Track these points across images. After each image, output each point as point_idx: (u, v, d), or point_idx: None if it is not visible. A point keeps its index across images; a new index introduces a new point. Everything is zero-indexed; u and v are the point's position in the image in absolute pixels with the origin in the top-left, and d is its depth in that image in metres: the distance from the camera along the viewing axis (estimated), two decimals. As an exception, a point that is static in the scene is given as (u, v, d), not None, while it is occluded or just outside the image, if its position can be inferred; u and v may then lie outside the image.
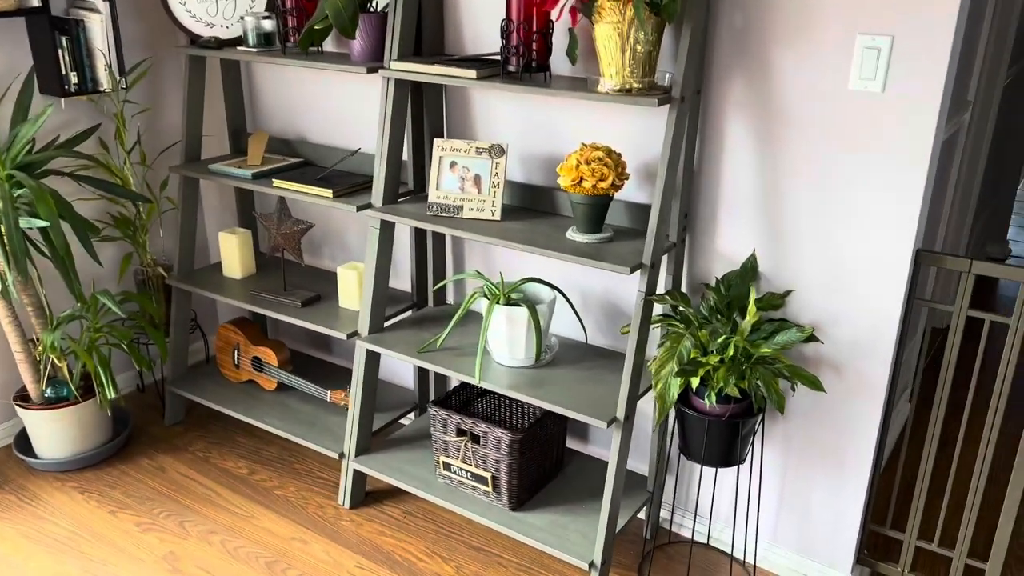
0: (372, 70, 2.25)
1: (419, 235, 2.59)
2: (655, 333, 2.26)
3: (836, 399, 2.06)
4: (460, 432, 2.28)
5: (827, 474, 2.14)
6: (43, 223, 2.24)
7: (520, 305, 2.15)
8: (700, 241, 2.14)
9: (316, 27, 2.30)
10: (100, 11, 2.60)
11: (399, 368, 2.92)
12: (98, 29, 2.62)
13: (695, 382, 1.87)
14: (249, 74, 2.88)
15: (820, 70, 1.84)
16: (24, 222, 2.25)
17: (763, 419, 2.08)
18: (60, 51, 2.59)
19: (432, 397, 2.81)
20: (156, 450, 2.82)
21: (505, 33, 2.05)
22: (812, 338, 1.96)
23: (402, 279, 2.78)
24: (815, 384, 1.89)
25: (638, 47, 1.83)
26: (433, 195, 2.26)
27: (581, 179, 1.99)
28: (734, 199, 2.06)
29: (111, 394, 2.53)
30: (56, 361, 2.58)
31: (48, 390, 2.62)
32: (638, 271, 1.95)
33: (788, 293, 2.04)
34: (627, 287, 2.30)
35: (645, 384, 2.11)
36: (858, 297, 1.95)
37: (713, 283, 2.15)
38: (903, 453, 2.10)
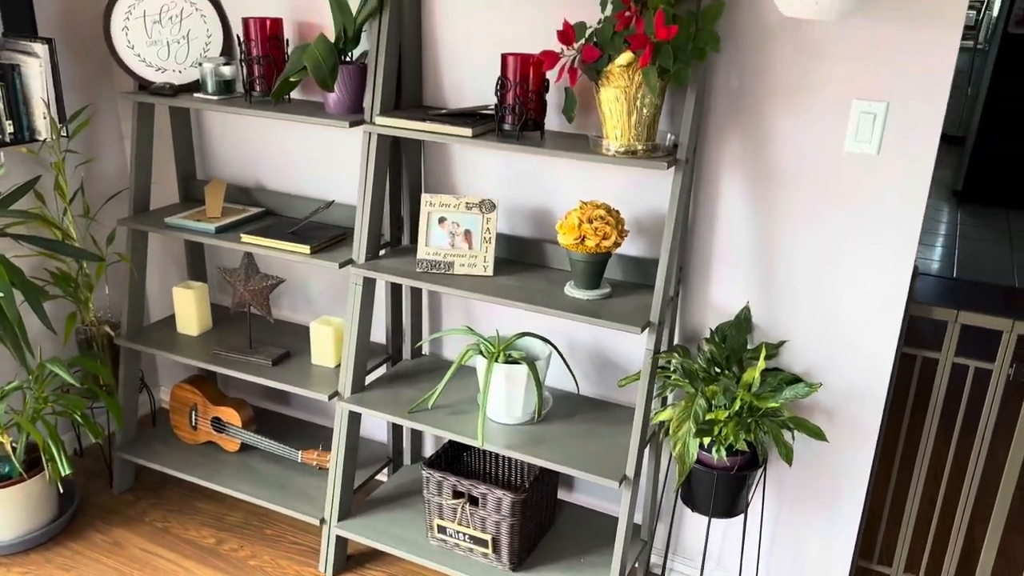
0: (355, 123, 2.18)
1: (394, 286, 2.52)
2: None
3: (829, 444, 2.13)
4: (457, 494, 2.23)
5: (819, 516, 2.21)
6: (-6, 293, 2.05)
7: (519, 362, 2.12)
8: (694, 293, 2.17)
9: (292, 79, 2.21)
10: (38, 55, 2.40)
11: (366, 420, 2.83)
12: (36, 74, 2.42)
13: (706, 440, 1.89)
14: (199, 119, 2.73)
15: (816, 132, 1.91)
16: (-28, 292, 2.05)
17: (765, 470, 2.13)
18: (-6, 98, 2.38)
19: (407, 451, 2.73)
20: (108, 523, 2.62)
21: (500, 92, 2.02)
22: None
23: (375, 330, 2.69)
24: (818, 435, 1.95)
25: (644, 110, 1.85)
26: (422, 251, 2.20)
27: (584, 238, 1.99)
28: (728, 252, 2.10)
29: (65, 469, 2.33)
30: (-1, 437, 2.37)
31: (-10, 469, 2.39)
32: (620, 329, 1.95)
33: (782, 343, 2.10)
34: (618, 337, 2.31)
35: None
36: (851, 346, 2.03)
37: (707, 334, 2.18)
38: (890, 491, 2.20)
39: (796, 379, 2.00)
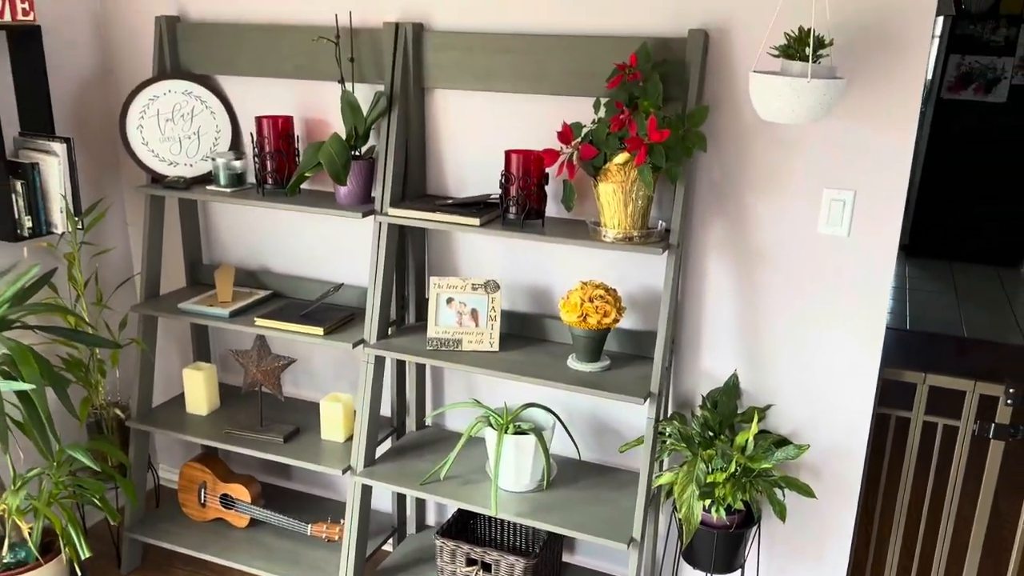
0: (367, 214, 2.34)
1: (399, 362, 2.66)
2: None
3: (815, 501, 2.30)
4: (470, 562, 2.34)
5: (809, 568, 2.37)
6: (26, 386, 2.13)
7: (527, 433, 2.26)
8: (685, 362, 2.36)
9: (307, 174, 2.37)
10: (57, 153, 2.53)
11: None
12: (54, 172, 2.54)
13: (707, 502, 2.05)
14: (205, 208, 2.86)
15: (791, 217, 2.13)
16: (4, 385, 2.14)
17: (759, 526, 2.29)
18: (14, 196, 2.49)
19: (411, 520, 2.83)
20: (119, 604, 2.66)
21: (504, 185, 2.21)
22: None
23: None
24: (808, 492, 2.12)
25: (639, 202, 2.05)
26: (432, 330, 2.35)
27: (586, 316, 2.16)
28: (716, 325, 2.29)
29: (85, 553, 2.39)
30: (18, 522, 2.41)
31: (8, 555, 2.43)
32: (624, 400, 2.11)
33: (769, 407, 2.28)
34: (616, 405, 2.47)
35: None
36: (832, 408, 2.22)
37: (699, 400, 2.36)
38: (872, 541, 2.38)
39: (784, 440, 2.18)
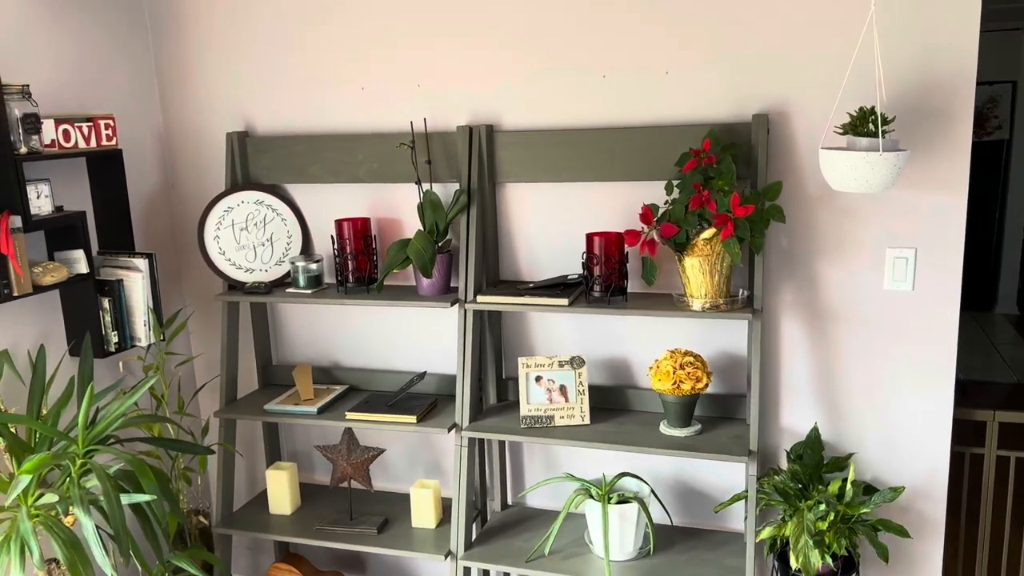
0: (454, 303, 2.47)
1: (478, 446, 2.73)
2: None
3: (903, 542, 2.42)
4: (583, 633, 2.39)
5: (901, 607, 2.47)
6: (148, 497, 2.17)
7: (630, 501, 2.36)
8: (766, 420, 2.49)
9: (396, 270, 2.50)
10: (140, 269, 2.62)
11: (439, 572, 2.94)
12: (138, 287, 2.63)
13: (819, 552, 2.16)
14: (274, 311, 2.95)
15: (858, 276, 2.31)
16: (126, 498, 2.17)
17: (859, 571, 2.40)
18: (102, 313, 2.56)
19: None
20: None
21: (587, 264, 2.36)
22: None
23: (450, 488, 2.87)
24: (903, 533, 2.25)
25: (724, 273, 2.22)
26: (524, 408, 2.46)
27: (679, 383, 2.30)
28: (792, 381, 2.44)
29: (193, 666, 2.38)
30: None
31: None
32: (727, 460, 2.24)
33: (851, 455, 2.42)
34: (701, 469, 2.58)
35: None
36: (911, 452, 2.37)
37: (782, 454, 2.49)
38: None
39: (871, 487, 2.31)
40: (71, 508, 2.15)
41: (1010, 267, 7.05)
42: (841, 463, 2.39)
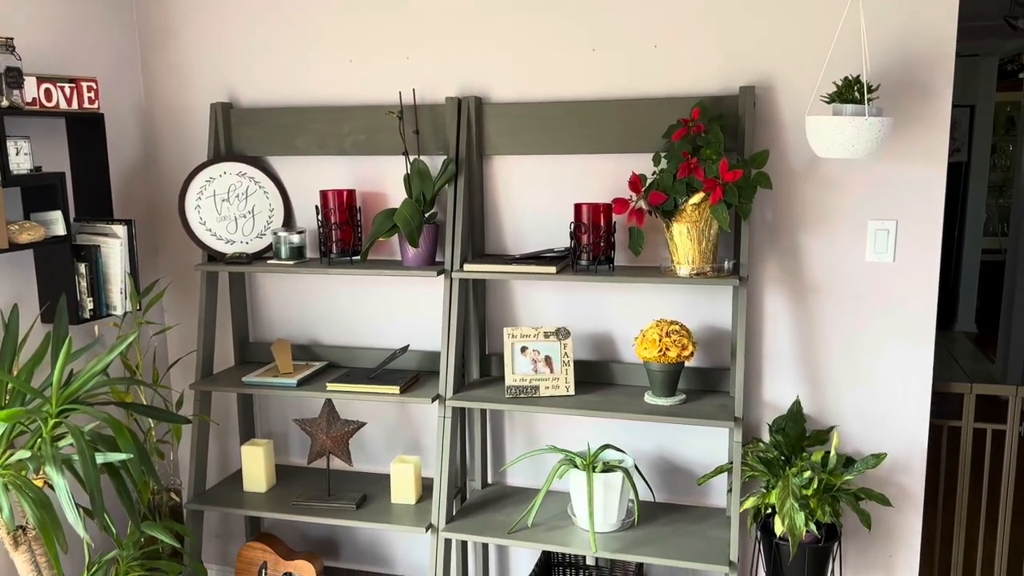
0: (440, 273, 2.46)
1: (457, 420, 2.69)
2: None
3: (883, 513, 2.44)
4: (566, 605, 2.36)
5: (880, 582, 2.49)
6: (124, 456, 2.11)
7: (614, 470, 2.35)
8: (748, 393, 2.50)
9: (382, 239, 2.49)
10: (118, 235, 2.57)
11: (415, 554, 2.89)
12: (116, 253, 2.57)
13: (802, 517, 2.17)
14: (252, 287, 2.91)
15: (840, 248, 2.35)
16: (101, 457, 2.10)
17: (841, 541, 2.41)
18: (78, 278, 2.50)
19: (477, 583, 2.82)
20: None
21: (575, 234, 2.38)
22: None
23: (431, 469, 2.83)
24: (884, 501, 2.27)
25: (711, 239, 2.24)
26: (509, 378, 2.44)
27: (665, 350, 2.31)
28: (775, 355, 2.46)
29: (163, 639, 2.30)
30: (91, 613, 2.31)
31: (79, 649, 2.32)
32: (712, 425, 2.25)
33: (832, 428, 2.44)
34: (682, 445, 2.58)
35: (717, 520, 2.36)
36: (891, 424, 2.40)
37: (764, 427, 2.50)
38: (937, 547, 2.52)
39: (851, 459, 2.34)
40: (43, 468, 2.08)
41: (969, 286, 7.24)
42: (822, 436, 2.41)
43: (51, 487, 2.07)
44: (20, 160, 2.30)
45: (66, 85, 2.42)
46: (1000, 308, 5.80)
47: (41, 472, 2.13)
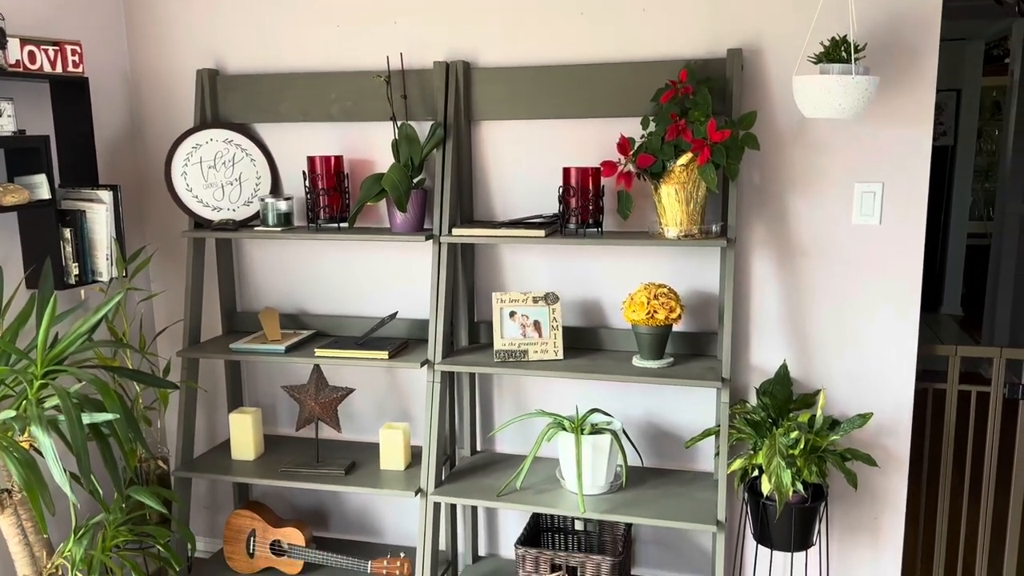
0: (429, 237, 2.45)
1: (446, 386, 2.69)
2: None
3: (868, 476, 2.46)
4: (554, 568, 2.37)
5: (865, 545, 2.50)
6: (110, 416, 2.09)
7: (603, 433, 2.35)
8: (735, 357, 2.51)
9: (370, 203, 2.48)
10: (104, 201, 2.55)
11: (403, 523, 2.89)
12: (101, 220, 2.55)
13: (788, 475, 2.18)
14: (239, 255, 2.89)
15: (827, 211, 2.36)
16: (87, 418, 2.09)
17: (827, 501, 2.42)
18: (63, 243, 2.49)
19: (468, 553, 2.82)
20: (171, 666, 2.53)
21: (564, 198, 2.38)
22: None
23: (421, 438, 2.83)
24: (871, 461, 2.29)
25: (698, 201, 2.25)
26: (498, 343, 2.45)
27: (653, 312, 2.31)
28: (762, 319, 2.48)
29: (151, 603, 2.29)
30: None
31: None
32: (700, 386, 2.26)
33: (819, 392, 2.45)
34: (669, 411, 2.59)
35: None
36: (877, 387, 2.41)
37: (751, 391, 2.51)
38: (922, 509, 2.54)
39: (836, 422, 2.35)
40: (29, 428, 2.06)
41: (955, 269, 7.29)
42: (809, 400, 2.42)
43: (37, 450, 2.06)
44: (3, 122, 2.28)
45: (50, 48, 2.40)
46: (985, 291, 5.85)
47: (27, 433, 2.11)
